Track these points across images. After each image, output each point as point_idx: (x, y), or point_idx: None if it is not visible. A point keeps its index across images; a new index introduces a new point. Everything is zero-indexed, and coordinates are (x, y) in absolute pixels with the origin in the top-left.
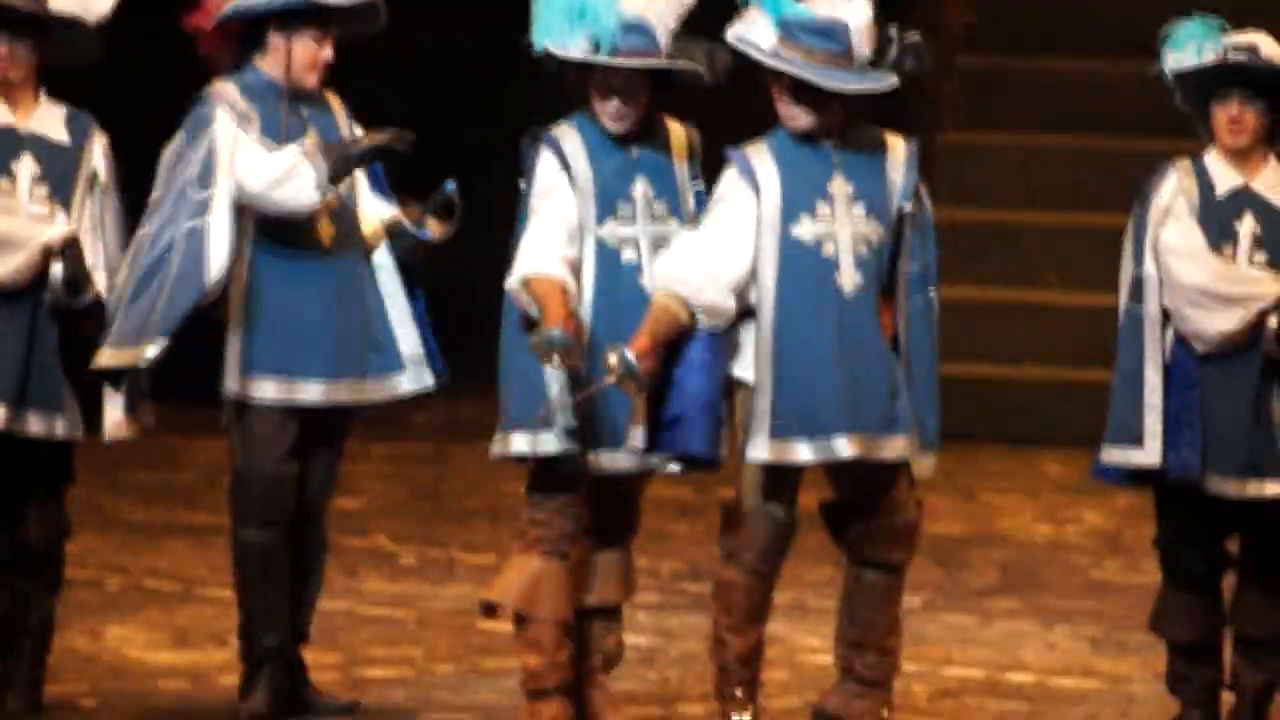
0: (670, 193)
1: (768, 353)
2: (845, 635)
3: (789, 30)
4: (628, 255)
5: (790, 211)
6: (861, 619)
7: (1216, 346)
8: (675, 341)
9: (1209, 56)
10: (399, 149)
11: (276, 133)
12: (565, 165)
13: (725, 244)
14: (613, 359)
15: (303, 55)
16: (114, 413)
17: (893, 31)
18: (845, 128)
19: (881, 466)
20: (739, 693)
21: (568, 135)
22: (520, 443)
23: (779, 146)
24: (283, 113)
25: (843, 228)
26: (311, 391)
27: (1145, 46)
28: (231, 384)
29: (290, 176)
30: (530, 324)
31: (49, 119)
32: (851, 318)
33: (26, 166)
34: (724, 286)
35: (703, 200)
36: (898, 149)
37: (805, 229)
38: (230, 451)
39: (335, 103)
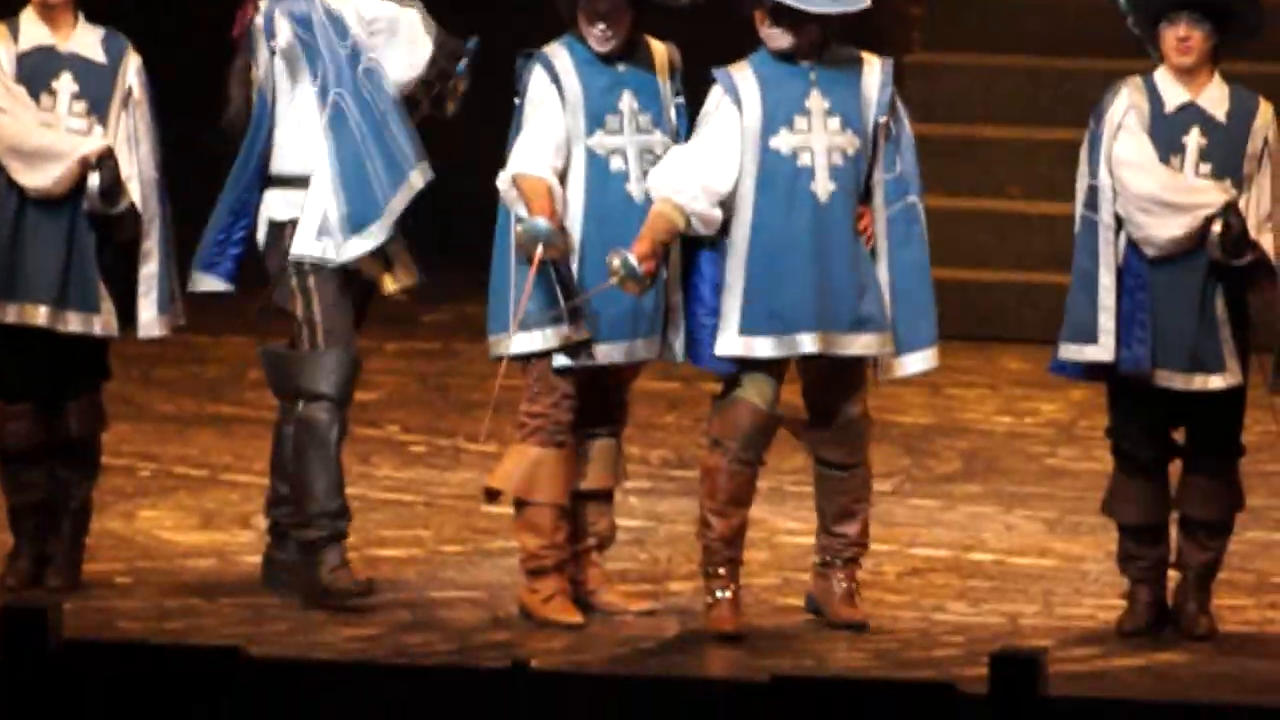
0: (654, 106)
1: (742, 254)
2: (820, 524)
3: None
4: (616, 164)
5: (769, 125)
6: (828, 510)
7: (1165, 251)
8: (687, 251)
9: None
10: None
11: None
12: (556, 81)
13: (714, 156)
14: (615, 261)
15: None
16: (148, 311)
17: None
18: (823, 48)
19: (844, 363)
20: (722, 570)
21: (558, 54)
22: (519, 342)
23: (760, 66)
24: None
25: (818, 139)
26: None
27: None
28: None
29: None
30: (518, 220)
31: (87, 40)
32: (825, 222)
33: (66, 84)
34: (715, 195)
35: (683, 113)
36: (874, 67)
37: (783, 140)
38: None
39: None
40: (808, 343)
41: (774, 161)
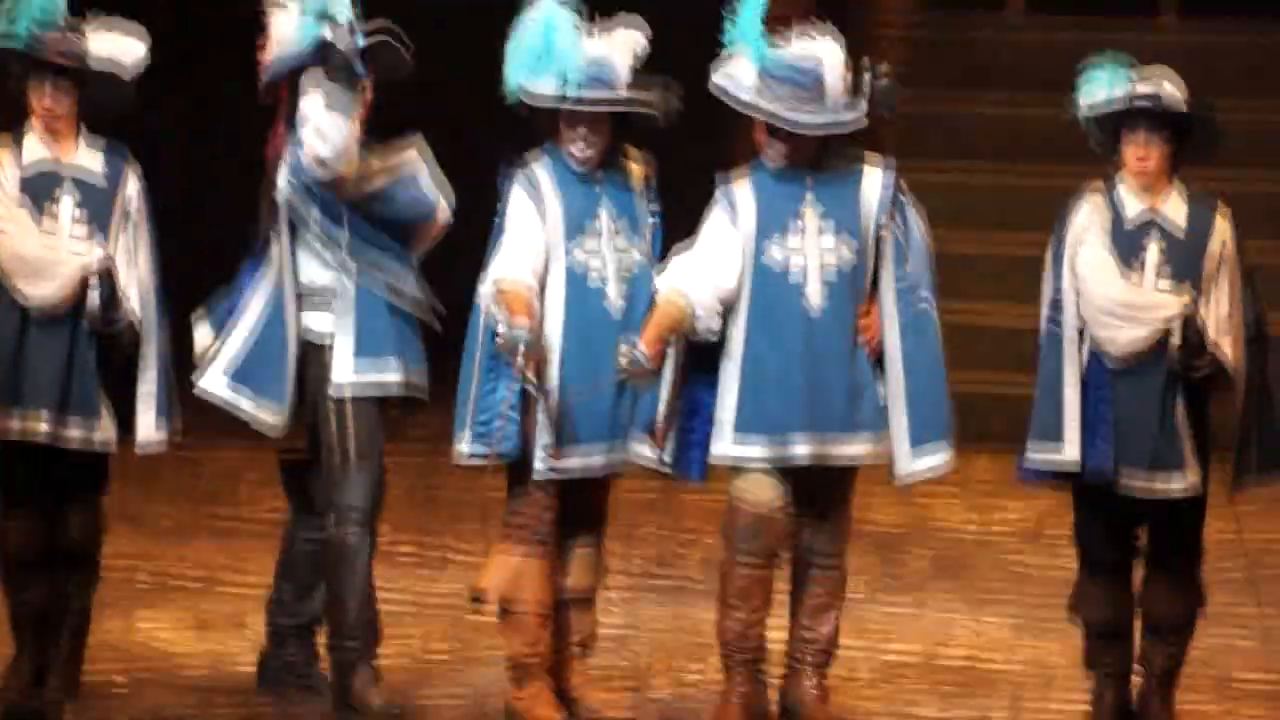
0: (630, 220)
1: (737, 361)
2: (791, 622)
3: (766, 71)
4: (594, 277)
5: (763, 236)
6: (803, 605)
7: (1126, 358)
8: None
9: (1119, 93)
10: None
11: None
12: (535, 193)
13: (717, 257)
14: (624, 353)
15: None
16: (146, 424)
17: (867, 76)
18: (820, 157)
19: (834, 472)
20: (734, 668)
21: (538, 166)
22: (474, 446)
23: (758, 176)
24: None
25: (811, 250)
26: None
27: (1060, 86)
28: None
29: None
30: (500, 325)
31: (88, 157)
32: (817, 332)
33: (67, 200)
34: (720, 292)
35: (660, 229)
36: (874, 173)
37: (775, 252)
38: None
39: None
40: (799, 449)
41: (766, 273)
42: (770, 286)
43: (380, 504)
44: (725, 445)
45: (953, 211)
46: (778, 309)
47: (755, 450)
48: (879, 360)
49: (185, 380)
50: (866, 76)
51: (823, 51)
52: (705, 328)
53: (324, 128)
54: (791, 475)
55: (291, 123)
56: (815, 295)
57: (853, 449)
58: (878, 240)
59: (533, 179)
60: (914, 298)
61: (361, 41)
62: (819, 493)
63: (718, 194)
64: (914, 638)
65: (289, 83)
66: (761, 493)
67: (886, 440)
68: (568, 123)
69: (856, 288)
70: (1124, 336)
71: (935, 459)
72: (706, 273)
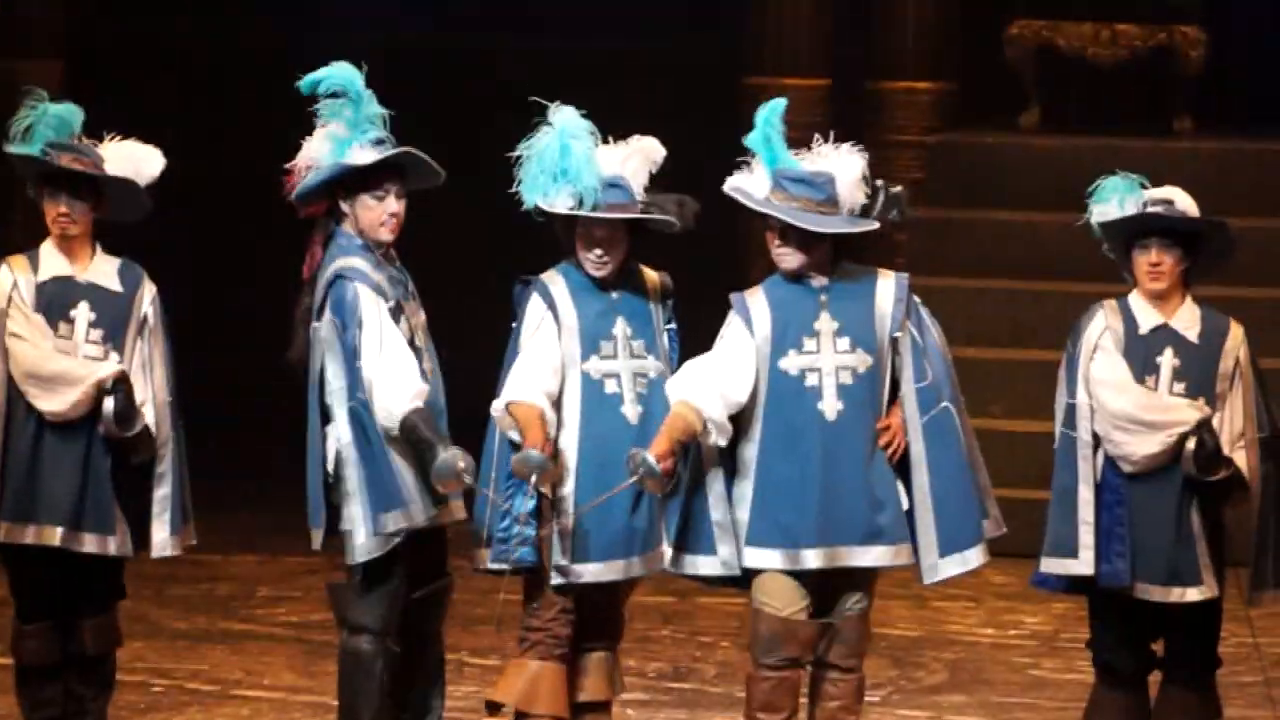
0: (646, 332)
1: (751, 470)
2: None
3: (779, 181)
4: (610, 387)
5: (778, 347)
6: (825, 715)
7: (1142, 467)
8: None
9: (1130, 208)
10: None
11: (394, 295)
12: (552, 307)
13: (730, 367)
14: (635, 461)
15: (366, 216)
16: (160, 532)
17: (880, 183)
18: (834, 267)
19: (853, 577)
20: None
21: (554, 281)
22: (492, 554)
23: (772, 289)
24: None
25: (827, 360)
26: None
27: (1074, 201)
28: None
29: None
30: (514, 446)
31: (104, 270)
32: (833, 441)
33: (83, 312)
34: (730, 404)
35: (675, 339)
36: (889, 283)
37: (791, 362)
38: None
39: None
40: (812, 558)
41: (782, 382)
42: (786, 396)
43: (394, 617)
44: (729, 547)
45: (966, 322)
46: (795, 417)
47: (770, 561)
48: (902, 464)
49: (199, 488)
50: (879, 184)
51: (837, 164)
52: (715, 438)
53: (389, 392)
54: (811, 581)
55: (327, 243)
56: (831, 403)
57: (867, 558)
58: (894, 347)
59: (549, 293)
60: (935, 401)
61: (391, 152)
62: (837, 600)
63: (734, 305)
64: None
65: (324, 201)
66: (782, 600)
67: (905, 547)
68: (584, 236)
69: (873, 394)
70: (1141, 447)
71: (968, 560)
72: (718, 384)
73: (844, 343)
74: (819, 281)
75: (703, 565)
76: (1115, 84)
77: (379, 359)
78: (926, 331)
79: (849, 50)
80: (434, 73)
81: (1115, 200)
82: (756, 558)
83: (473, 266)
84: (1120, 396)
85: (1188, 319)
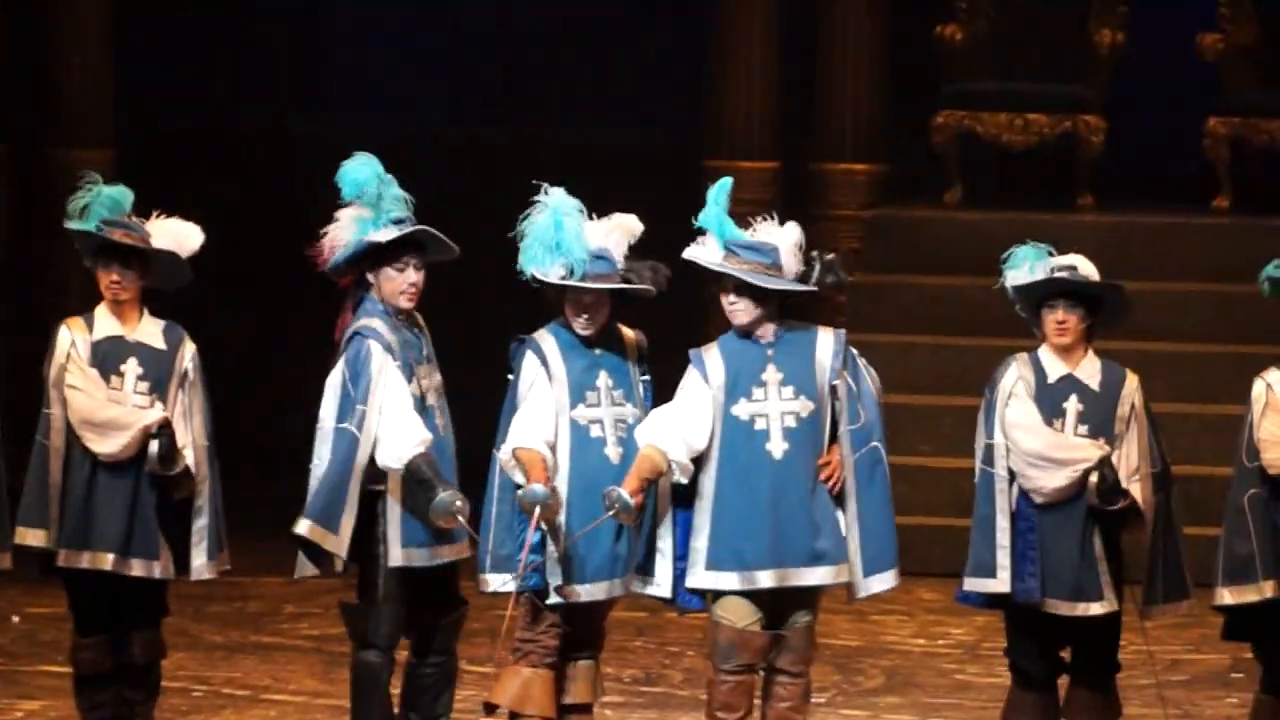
0: (625, 384)
1: (709, 503)
2: None
3: (731, 248)
4: (595, 432)
5: (731, 395)
6: (775, 716)
7: (1050, 498)
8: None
9: (1040, 273)
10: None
11: (406, 359)
12: (544, 363)
13: (690, 415)
14: (611, 496)
15: (388, 285)
16: (199, 558)
17: (815, 252)
18: (779, 325)
19: (800, 594)
20: None
21: (545, 339)
22: (498, 581)
23: (725, 344)
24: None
25: (773, 406)
26: None
27: (992, 267)
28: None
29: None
30: (517, 486)
31: (150, 330)
32: (780, 476)
33: (132, 367)
34: (690, 448)
35: (649, 389)
36: (827, 339)
37: (742, 409)
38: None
39: (420, 321)
40: (765, 579)
41: (734, 426)
42: (738, 438)
43: (399, 635)
44: (700, 576)
45: (899, 373)
46: (745, 457)
47: (726, 581)
48: (840, 496)
49: (233, 518)
50: (814, 254)
51: (778, 235)
52: (680, 472)
53: (396, 440)
54: (762, 598)
55: (356, 309)
56: (778, 444)
57: (812, 578)
58: (833, 394)
59: (541, 350)
60: (865, 441)
61: (408, 230)
62: (786, 614)
63: (692, 361)
64: None
65: (354, 272)
66: (738, 614)
67: (844, 567)
68: (573, 302)
69: (814, 435)
70: (1050, 481)
71: (884, 581)
72: (680, 430)
73: (788, 391)
74: (766, 338)
75: (649, 586)
76: (1027, 165)
77: (385, 410)
78: (861, 380)
79: (795, 137)
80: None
81: (1026, 266)
82: (715, 580)
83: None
84: (1032, 437)
85: (1090, 370)
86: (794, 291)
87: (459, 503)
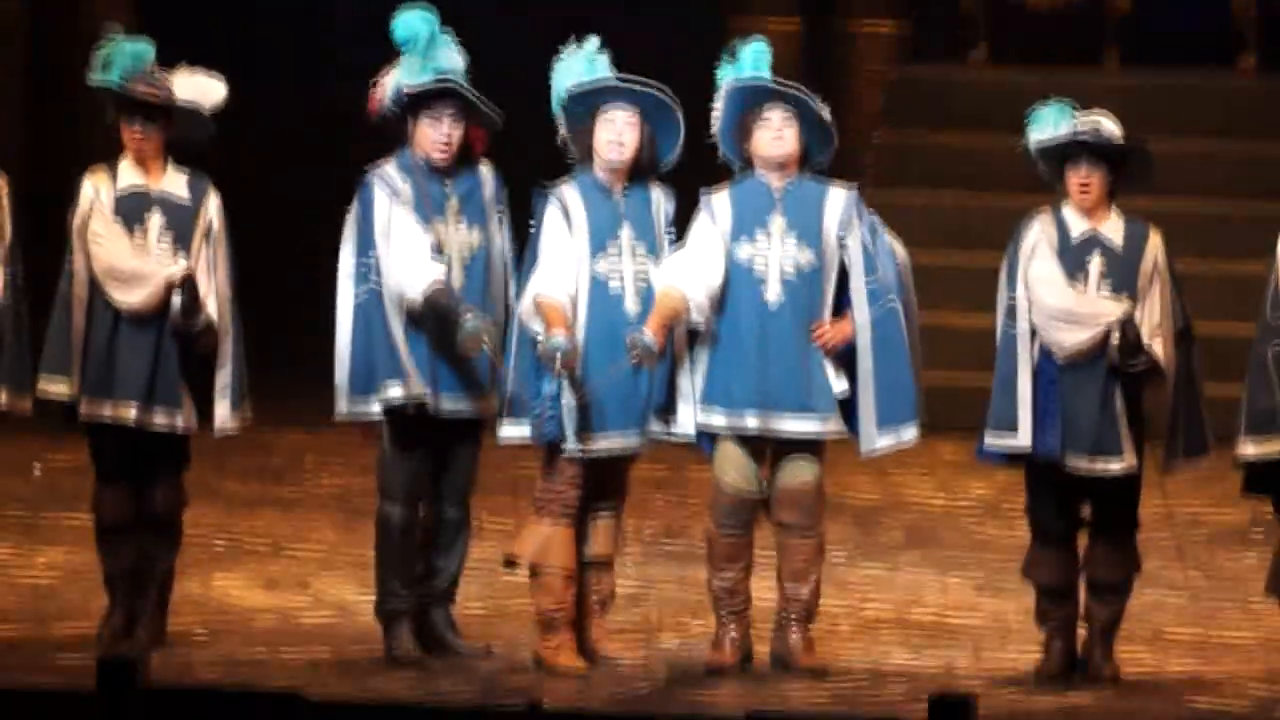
0: (649, 239)
1: (707, 341)
2: (779, 584)
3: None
4: (614, 285)
5: (734, 237)
6: (785, 570)
7: (1072, 356)
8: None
9: (1063, 131)
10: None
11: (421, 206)
12: (565, 214)
13: (705, 257)
14: (633, 339)
15: (421, 137)
16: (222, 410)
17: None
18: (794, 177)
19: (800, 441)
20: (726, 618)
21: (568, 190)
22: (517, 430)
23: (735, 188)
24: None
25: (774, 253)
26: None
27: (1016, 125)
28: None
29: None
30: (535, 337)
31: (174, 182)
32: (771, 324)
33: (155, 219)
34: (708, 288)
35: (674, 244)
36: (839, 193)
37: (743, 251)
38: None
39: (485, 173)
40: (751, 421)
41: (735, 268)
42: (737, 280)
43: (417, 488)
44: (694, 412)
45: (923, 230)
46: (741, 300)
47: (716, 420)
48: (840, 361)
49: (255, 373)
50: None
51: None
52: (696, 318)
53: (407, 276)
54: (761, 452)
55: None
56: (774, 291)
57: (798, 426)
58: (842, 249)
59: (563, 200)
60: (883, 299)
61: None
62: (788, 470)
63: (701, 203)
64: (888, 597)
65: (406, 117)
66: (740, 475)
67: (833, 419)
68: (605, 124)
69: (813, 289)
70: (1070, 339)
71: (902, 435)
72: (696, 271)
73: (791, 239)
74: (777, 186)
75: (661, 428)
76: (1053, 24)
77: (392, 248)
78: (879, 238)
79: None
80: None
81: (1049, 124)
82: (706, 417)
83: None
84: (1055, 294)
85: (1113, 227)
86: (829, 137)
87: (484, 326)
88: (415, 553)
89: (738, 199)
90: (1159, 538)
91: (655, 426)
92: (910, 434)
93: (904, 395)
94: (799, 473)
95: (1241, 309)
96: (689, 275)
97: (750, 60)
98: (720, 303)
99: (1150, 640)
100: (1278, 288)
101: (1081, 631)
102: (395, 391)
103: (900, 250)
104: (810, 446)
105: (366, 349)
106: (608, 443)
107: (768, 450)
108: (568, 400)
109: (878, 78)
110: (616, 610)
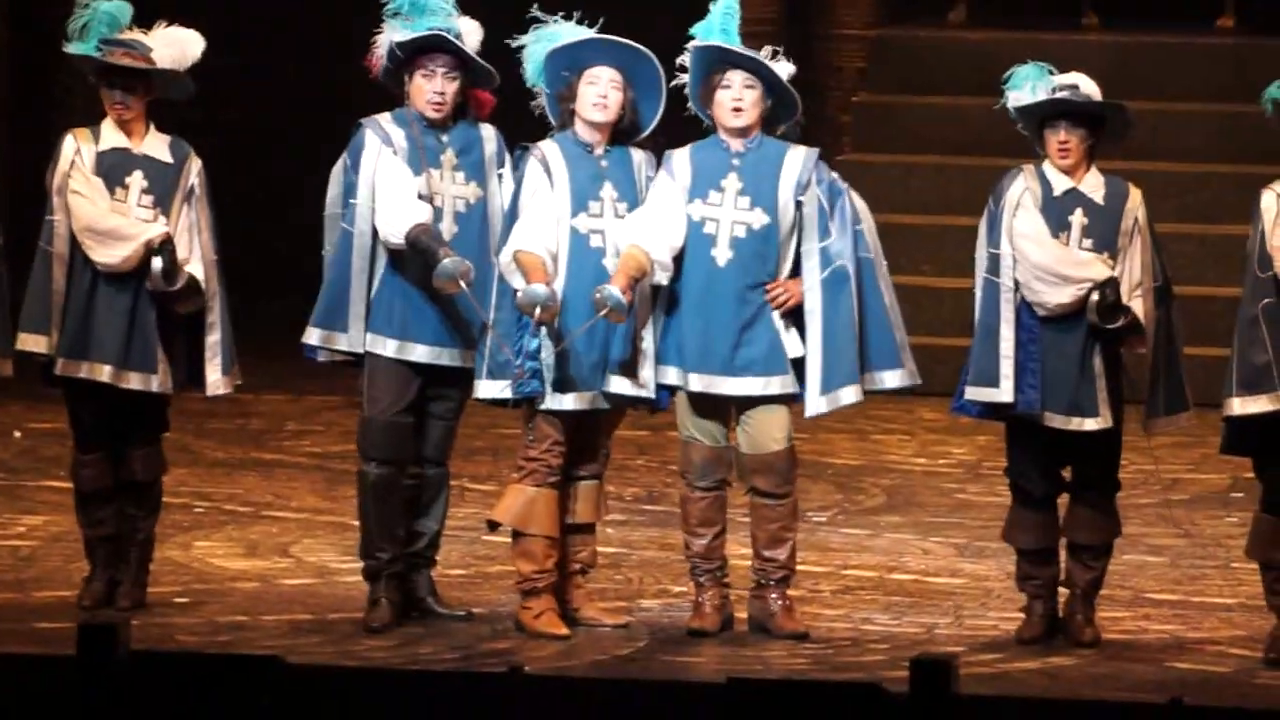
0: (631, 198)
1: (661, 302)
2: (753, 549)
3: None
4: (595, 242)
5: (690, 196)
6: (760, 536)
7: (1053, 313)
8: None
9: (1041, 93)
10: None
11: (415, 156)
12: (546, 170)
13: (666, 219)
14: (601, 295)
15: (415, 91)
16: (214, 373)
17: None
18: (752, 138)
19: (763, 403)
20: (703, 580)
21: (550, 147)
22: (495, 388)
23: (695, 148)
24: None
25: (726, 213)
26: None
27: (995, 87)
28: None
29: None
30: (515, 291)
31: (157, 144)
32: (717, 284)
33: (137, 180)
34: (671, 246)
35: None
36: (797, 155)
37: (696, 210)
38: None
39: (487, 132)
40: (694, 382)
41: (690, 227)
42: (691, 240)
43: (395, 448)
44: (650, 371)
45: (902, 193)
46: (691, 258)
47: (669, 379)
48: (795, 320)
49: (241, 336)
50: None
51: (777, 66)
52: (659, 276)
53: (391, 214)
54: (724, 411)
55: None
56: (723, 251)
57: (737, 388)
58: (799, 210)
59: (544, 157)
60: (834, 262)
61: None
62: (755, 424)
63: (663, 161)
64: (870, 559)
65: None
66: (707, 433)
67: (777, 379)
68: (590, 82)
69: (765, 250)
70: (1054, 297)
71: (840, 399)
72: (659, 228)
73: (744, 201)
74: (735, 148)
75: (625, 386)
76: None
77: (379, 187)
78: (838, 200)
79: None
80: None
81: (1028, 86)
82: (661, 374)
83: None
84: (1040, 250)
85: (1094, 184)
86: (788, 99)
87: (462, 268)
88: (398, 513)
89: (696, 158)
90: (1140, 501)
91: (621, 385)
92: (849, 397)
93: (846, 357)
94: (765, 437)
95: (1222, 271)
96: (652, 232)
97: (719, 19)
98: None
99: (1131, 603)
100: (1264, 243)
101: (1062, 595)
102: (340, 343)
103: (865, 213)
104: (771, 403)
105: (332, 291)
106: (580, 400)
107: (731, 406)
108: (547, 356)
109: (857, 40)
110: (597, 574)
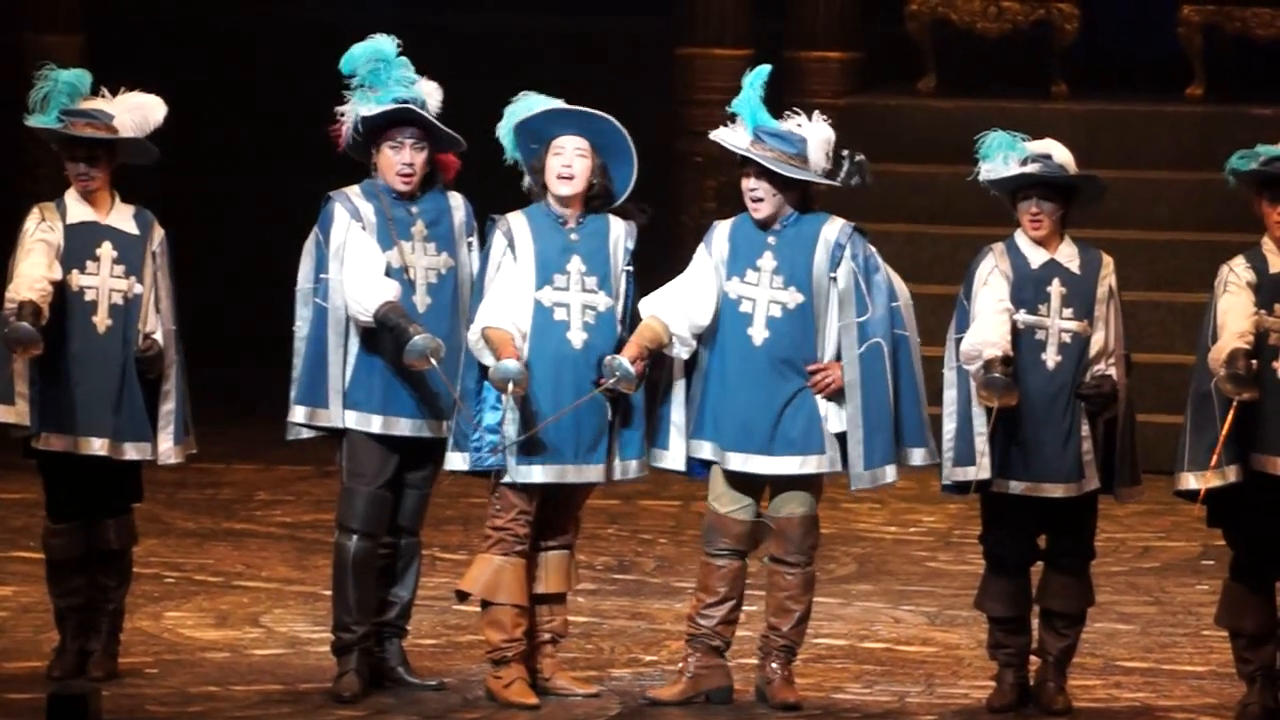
0: (601, 272)
1: (700, 375)
2: (767, 618)
3: (759, 135)
4: (559, 315)
5: (728, 274)
6: (769, 604)
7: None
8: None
9: (1013, 164)
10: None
11: (385, 229)
12: (510, 244)
13: (696, 291)
14: (611, 364)
15: (383, 163)
16: (165, 442)
17: (846, 152)
18: (789, 215)
19: (790, 483)
20: (698, 647)
21: (517, 219)
22: (458, 460)
23: (736, 223)
24: (385, 209)
25: (762, 293)
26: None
27: (966, 155)
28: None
29: None
30: (483, 369)
31: (122, 215)
32: (754, 363)
33: (107, 251)
34: (693, 324)
35: (632, 281)
36: (832, 230)
37: (733, 288)
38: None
39: (455, 201)
40: (733, 460)
41: (726, 304)
42: (727, 316)
43: (373, 520)
44: (684, 444)
45: None
46: (729, 335)
47: (703, 452)
48: (839, 394)
49: (207, 406)
50: (845, 153)
51: (810, 130)
52: (678, 350)
53: (360, 291)
54: (753, 485)
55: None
56: (759, 330)
57: (773, 467)
58: (832, 286)
59: (509, 230)
60: (870, 337)
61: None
62: (780, 503)
63: (706, 232)
64: (841, 628)
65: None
66: (725, 500)
67: (814, 459)
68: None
69: (802, 329)
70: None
71: (881, 478)
72: (683, 304)
73: (779, 280)
74: (773, 226)
75: (663, 459)
76: (1001, 53)
77: (347, 264)
78: (874, 272)
79: (769, 24)
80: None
81: (1000, 156)
82: (695, 448)
83: None
84: (971, 332)
85: (1068, 253)
86: (814, 184)
87: (432, 345)
88: (373, 586)
89: (736, 233)
90: (1111, 569)
91: (637, 454)
92: (889, 476)
93: (885, 434)
94: (788, 506)
95: (1190, 339)
96: (673, 306)
97: (749, 85)
98: (712, 336)
99: (1102, 671)
100: (1215, 321)
101: (1034, 663)
102: (323, 419)
103: (901, 287)
104: (807, 483)
105: (310, 368)
106: (554, 474)
107: (766, 482)
108: (510, 430)
109: (828, 108)
110: (568, 643)
